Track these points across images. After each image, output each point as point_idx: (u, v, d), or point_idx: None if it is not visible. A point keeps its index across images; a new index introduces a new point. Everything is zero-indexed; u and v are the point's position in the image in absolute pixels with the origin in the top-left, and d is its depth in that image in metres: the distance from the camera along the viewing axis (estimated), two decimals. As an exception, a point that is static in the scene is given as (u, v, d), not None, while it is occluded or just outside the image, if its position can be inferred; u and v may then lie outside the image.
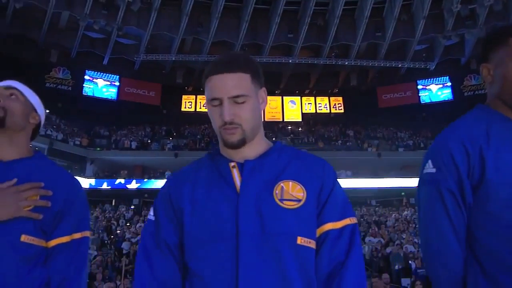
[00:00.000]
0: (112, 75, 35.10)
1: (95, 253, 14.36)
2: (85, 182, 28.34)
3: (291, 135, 34.99)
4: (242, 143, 1.33)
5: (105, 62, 34.06)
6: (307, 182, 1.34)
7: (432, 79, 36.55)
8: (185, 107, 37.18)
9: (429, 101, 36.60)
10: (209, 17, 31.92)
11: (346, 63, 34.77)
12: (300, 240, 1.27)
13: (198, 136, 32.82)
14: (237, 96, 1.30)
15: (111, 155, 30.05)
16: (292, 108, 38.12)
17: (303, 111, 38.09)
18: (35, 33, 30.63)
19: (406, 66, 35.32)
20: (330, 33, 32.93)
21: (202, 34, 32.30)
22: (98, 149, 30.60)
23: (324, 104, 38.38)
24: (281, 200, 1.29)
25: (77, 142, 29.82)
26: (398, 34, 33.13)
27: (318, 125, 36.62)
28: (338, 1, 31.30)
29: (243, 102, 1.31)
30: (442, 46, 33.53)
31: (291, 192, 1.31)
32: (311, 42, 33.82)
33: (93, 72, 34.53)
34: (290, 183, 1.32)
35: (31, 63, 30.52)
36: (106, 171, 29.96)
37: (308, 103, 38.38)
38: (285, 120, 37.56)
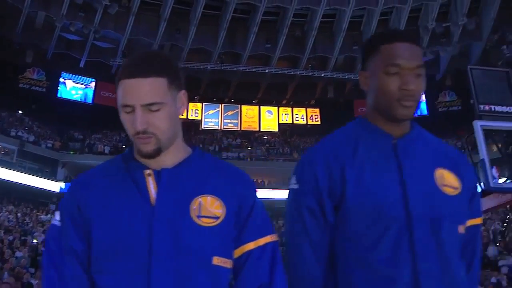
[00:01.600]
0: (88, 78, 34.41)
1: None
2: (56, 186, 27.85)
3: (267, 145, 35.02)
4: (157, 152, 1.21)
5: (81, 65, 33.56)
6: (227, 197, 1.24)
7: (407, 94, 36.97)
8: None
9: (403, 116, 36.92)
10: (188, 24, 31.82)
11: (323, 75, 35.00)
12: (216, 260, 1.19)
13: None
14: (151, 104, 1.17)
15: (83, 159, 29.50)
16: (269, 118, 38.13)
17: (280, 122, 38.08)
18: (10, 32, 29.98)
19: (382, 80, 35.70)
20: (307, 44, 33.17)
21: (180, 40, 32.18)
22: (72, 152, 30.14)
23: (301, 115, 38.46)
24: (199, 216, 1.20)
25: (50, 145, 29.34)
26: (374, 49, 33.54)
27: (295, 135, 36.73)
28: (316, 13, 31.59)
29: (157, 110, 1.18)
30: (417, 62, 34.04)
31: (209, 208, 1.21)
32: (288, 53, 33.97)
33: (68, 74, 33.90)
34: (209, 198, 1.23)
35: (5, 62, 29.87)
36: (77, 175, 29.42)
37: (285, 114, 38.43)
38: (261, 129, 37.49)
